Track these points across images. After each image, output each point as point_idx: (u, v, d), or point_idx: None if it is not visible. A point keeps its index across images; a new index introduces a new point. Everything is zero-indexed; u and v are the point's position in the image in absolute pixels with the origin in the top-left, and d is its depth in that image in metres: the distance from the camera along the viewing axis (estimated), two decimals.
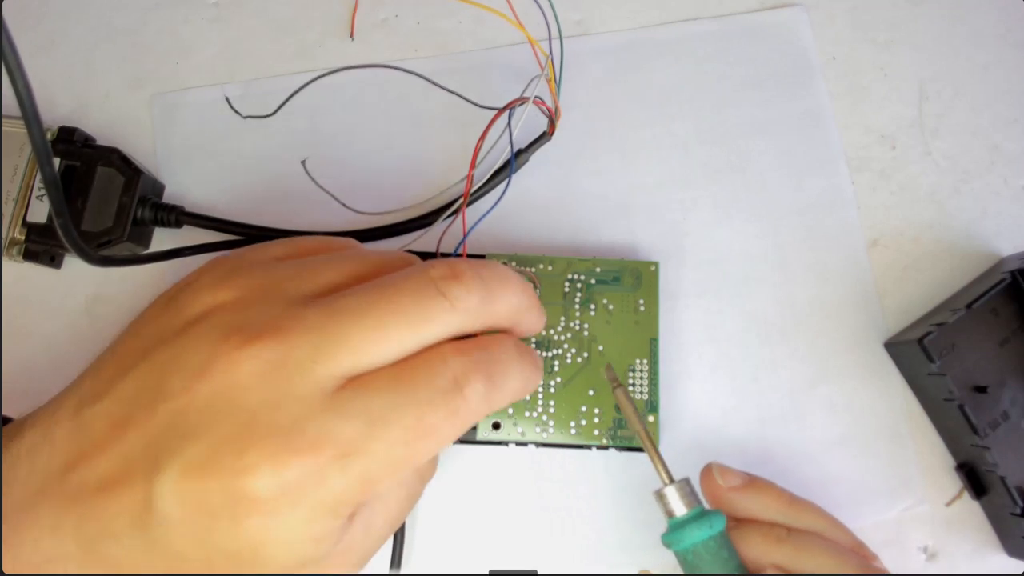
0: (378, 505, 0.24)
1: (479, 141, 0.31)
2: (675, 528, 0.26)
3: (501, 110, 0.31)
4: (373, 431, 0.20)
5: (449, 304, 0.22)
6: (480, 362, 0.22)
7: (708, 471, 0.29)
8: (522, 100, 0.31)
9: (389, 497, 0.24)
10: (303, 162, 0.35)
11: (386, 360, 0.21)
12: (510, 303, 0.24)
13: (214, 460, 0.20)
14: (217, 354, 0.21)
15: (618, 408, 0.31)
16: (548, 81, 0.31)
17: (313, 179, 0.35)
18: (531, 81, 0.31)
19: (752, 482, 0.29)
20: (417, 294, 0.22)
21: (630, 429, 0.28)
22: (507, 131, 0.31)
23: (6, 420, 0.26)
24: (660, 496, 0.27)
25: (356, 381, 0.21)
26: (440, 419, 0.21)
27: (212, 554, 0.21)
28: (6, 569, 0.22)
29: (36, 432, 0.23)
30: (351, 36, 0.36)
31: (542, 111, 0.32)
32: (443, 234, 0.34)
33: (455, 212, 0.33)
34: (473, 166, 0.32)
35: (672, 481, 0.27)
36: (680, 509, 0.26)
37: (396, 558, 0.31)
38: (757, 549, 0.26)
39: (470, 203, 0.33)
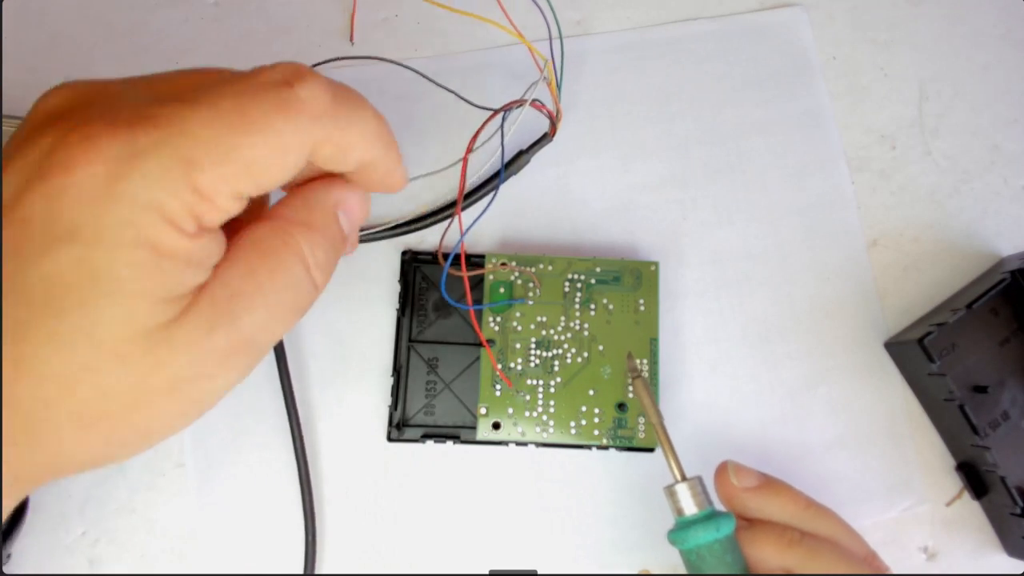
0: (249, 282, 0.19)
1: (471, 141, 0.31)
2: (682, 527, 0.26)
3: (495, 112, 0.31)
4: (184, 104, 0.18)
5: (295, 95, 0.19)
6: (327, 82, 0.20)
7: (723, 469, 0.28)
8: (519, 102, 0.31)
9: (259, 278, 0.20)
10: None
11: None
12: (366, 127, 0.21)
13: (17, 136, 0.18)
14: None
15: (633, 396, 0.30)
16: (548, 84, 0.31)
17: None
18: (531, 86, 0.31)
19: (768, 483, 0.28)
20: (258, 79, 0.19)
21: (647, 420, 0.27)
22: (509, 130, 0.31)
23: None
24: (670, 492, 0.26)
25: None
26: (265, 107, 0.18)
27: (21, 262, 0.17)
28: None
29: None
30: (351, 40, 0.36)
31: (542, 113, 0.32)
32: (444, 234, 0.34)
33: (452, 213, 0.33)
34: (465, 168, 0.32)
35: (684, 478, 0.26)
36: (690, 508, 0.26)
37: (310, 559, 0.31)
38: (766, 552, 0.26)
39: (472, 203, 0.33)
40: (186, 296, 0.18)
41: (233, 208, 0.19)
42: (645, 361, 0.32)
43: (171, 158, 0.17)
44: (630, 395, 0.32)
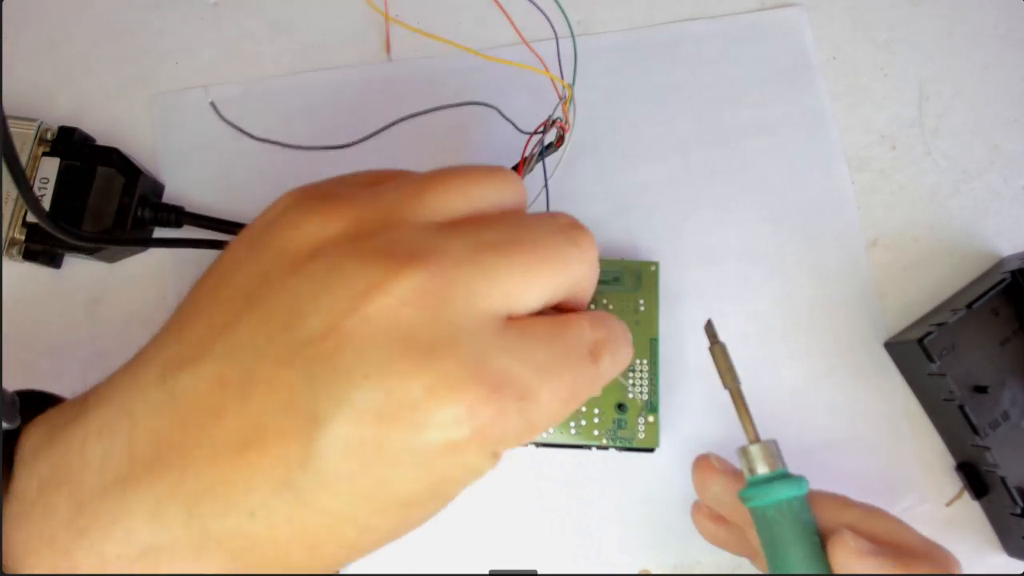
0: None
1: (520, 166, 0.31)
2: (761, 483, 0.26)
3: (531, 135, 0.31)
4: (542, 380, 0.19)
5: (580, 253, 0.21)
6: (608, 339, 0.22)
7: (704, 458, 0.30)
8: (556, 125, 0.30)
9: None
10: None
11: (532, 305, 0.20)
12: (597, 275, 0.23)
13: (395, 401, 0.18)
14: (364, 285, 0.18)
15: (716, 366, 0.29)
16: (563, 102, 0.31)
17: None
18: (557, 106, 0.31)
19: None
20: (555, 238, 0.21)
21: (723, 384, 0.28)
22: (552, 166, 0.32)
23: (38, 399, 0.24)
24: (744, 453, 0.27)
25: (515, 324, 0.20)
26: (584, 384, 0.21)
27: (381, 505, 0.19)
28: (86, 569, 0.20)
29: (107, 409, 0.20)
30: (387, 52, 0.36)
31: (555, 127, 0.32)
32: None
33: None
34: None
35: (759, 440, 0.27)
36: (763, 468, 0.26)
37: None
38: (827, 511, 0.26)
39: None
40: None
41: None
42: (645, 361, 0.32)
43: (524, 424, 0.19)
44: (630, 395, 0.32)
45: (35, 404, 0.23)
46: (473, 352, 0.18)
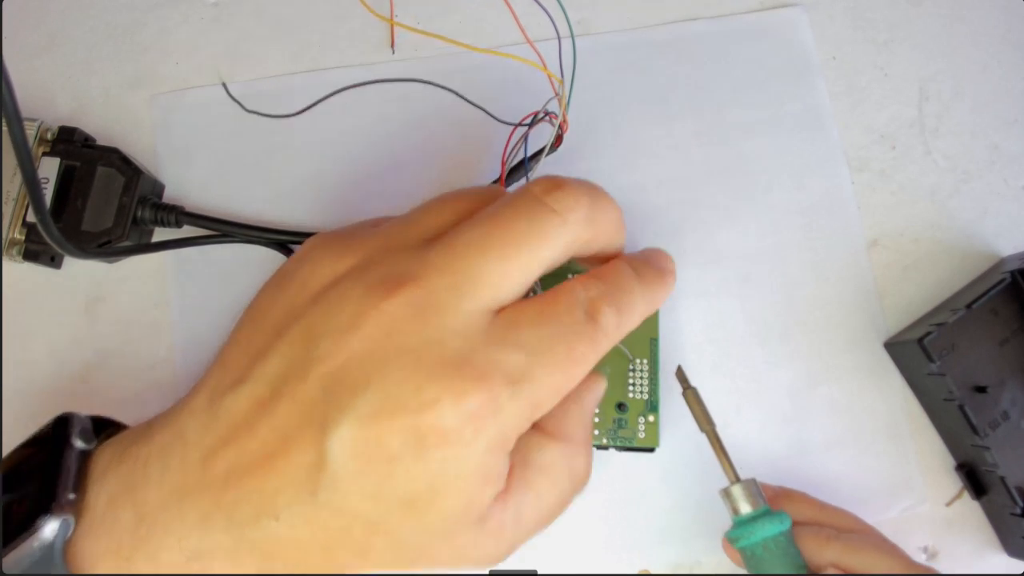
0: (529, 494, 0.24)
1: (503, 155, 0.31)
2: (743, 524, 0.27)
3: (516, 125, 0.31)
4: (534, 360, 0.21)
5: (560, 218, 0.22)
6: (606, 293, 0.23)
7: None
8: (546, 115, 0.31)
9: (538, 488, 0.24)
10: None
11: (517, 290, 0.22)
12: (610, 215, 0.24)
13: (390, 403, 0.20)
14: (363, 308, 0.21)
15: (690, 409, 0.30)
16: (559, 99, 0.31)
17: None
18: (548, 101, 0.31)
19: (784, 492, 0.30)
20: (528, 215, 0.22)
21: (699, 428, 0.29)
22: (520, 142, 0.31)
23: (106, 424, 0.27)
24: (726, 494, 0.28)
25: (503, 315, 0.22)
26: (585, 348, 0.22)
27: (387, 504, 0.21)
28: (142, 568, 0.22)
29: (166, 432, 0.23)
30: (391, 47, 0.36)
31: (551, 123, 0.32)
32: None
33: None
34: (503, 181, 0.32)
35: (739, 480, 0.27)
36: (746, 507, 0.27)
37: None
38: (810, 547, 0.27)
39: None
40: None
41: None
42: (645, 361, 0.32)
43: (525, 405, 0.21)
44: (630, 395, 0.32)
45: (103, 429, 0.26)
46: (459, 350, 0.20)
